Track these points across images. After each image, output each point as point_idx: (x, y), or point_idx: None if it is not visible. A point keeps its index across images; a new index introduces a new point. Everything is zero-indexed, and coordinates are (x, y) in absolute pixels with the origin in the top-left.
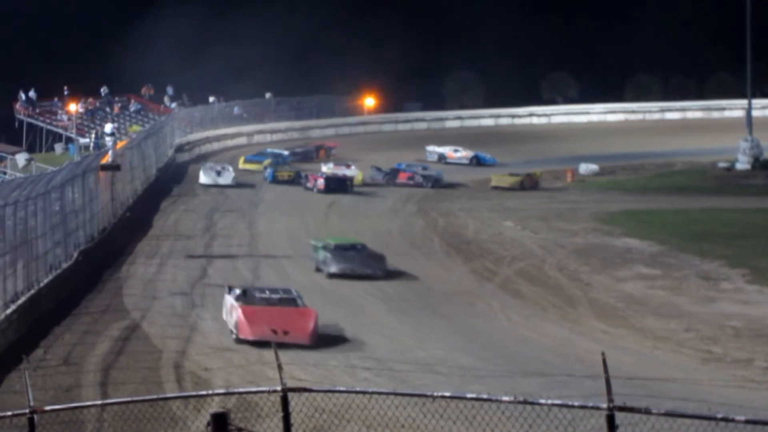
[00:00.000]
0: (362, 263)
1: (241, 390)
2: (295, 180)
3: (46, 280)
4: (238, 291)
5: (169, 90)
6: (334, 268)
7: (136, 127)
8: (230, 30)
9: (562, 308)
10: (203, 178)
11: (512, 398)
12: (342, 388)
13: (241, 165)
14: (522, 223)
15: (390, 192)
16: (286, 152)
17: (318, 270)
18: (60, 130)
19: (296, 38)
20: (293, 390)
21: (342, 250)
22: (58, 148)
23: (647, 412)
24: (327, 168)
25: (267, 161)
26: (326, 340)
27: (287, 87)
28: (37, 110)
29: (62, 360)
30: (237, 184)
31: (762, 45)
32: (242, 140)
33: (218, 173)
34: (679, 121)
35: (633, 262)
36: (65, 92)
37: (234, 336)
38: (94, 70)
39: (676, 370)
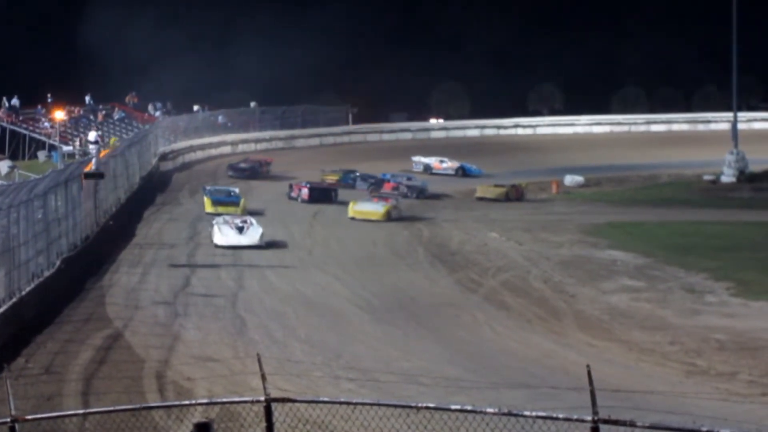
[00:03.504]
0: None
1: (224, 400)
2: (378, 183)
3: (28, 289)
4: None
5: (158, 104)
6: None
7: (114, 140)
8: (216, 38)
9: (547, 320)
10: (219, 238)
11: (497, 410)
12: (326, 399)
13: (209, 209)
14: (507, 234)
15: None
16: (236, 189)
17: None
18: (43, 138)
19: (283, 48)
20: (277, 400)
21: None
22: (42, 155)
23: (632, 424)
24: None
25: (242, 201)
26: (310, 350)
27: (272, 96)
28: (21, 117)
29: (44, 369)
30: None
31: (748, 58)
32: (226, 149)
33: (240, 229)
34: (664, 133)
35: (618, 275)
36: (49, 100)
37: None
38: (78, 77)
39: (660, 383)
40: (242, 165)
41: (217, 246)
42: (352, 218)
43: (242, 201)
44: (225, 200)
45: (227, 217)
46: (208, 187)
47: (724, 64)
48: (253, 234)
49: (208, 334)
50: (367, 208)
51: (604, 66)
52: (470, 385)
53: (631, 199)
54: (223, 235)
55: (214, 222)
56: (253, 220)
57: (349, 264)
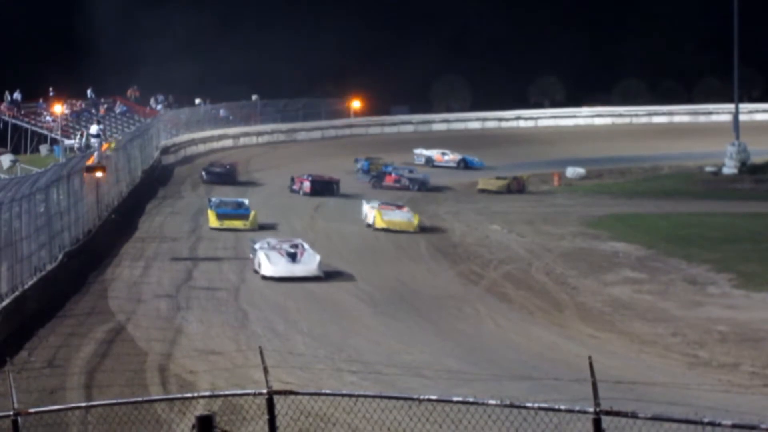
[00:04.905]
0: None
1: (226, 393)
2: (380, 176)
3: (30, 282)
4: None
5: (160, 98)
6: None
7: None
8: (218, 32)
9: (549, 312)
10: (269, 269)
11: (499, 402)
12: (328, 391)
13: (213, 223)
14: (509, 226)
15: (376, 195)
16: (245, 200)
17: None
18: (45, 132)
19: (284, 41)
20: (279, 393)
21: None
22: (43, 149)
23: (634, 416)
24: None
25: (252, 214)
26: (312, 343)
27: (273, 89)
28: (22, 111)
29: (47, 362)
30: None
31: (750, 50)
32: (228, 142)
33: (292, 256)
34: (666, 124)
35: (620, 267)
36: (50, 93)
37: None
38: (79, 71)
39: (662, 375)
40: (217, 169)
41: (264, 277)
42: (386, 229)
43: (253, 214)
44: (232, 213)
45: (272, 241)
46: (213, 199)
47: (725, 55)
48: (310, 262)
49: (210, 327)
50: (398, 218)
51: (606, 58)
52: (472, 378)
53: (633, 191)
54: (273, 264)
55: (257, 247)
56: (305, 244)
57: (351, 257)
